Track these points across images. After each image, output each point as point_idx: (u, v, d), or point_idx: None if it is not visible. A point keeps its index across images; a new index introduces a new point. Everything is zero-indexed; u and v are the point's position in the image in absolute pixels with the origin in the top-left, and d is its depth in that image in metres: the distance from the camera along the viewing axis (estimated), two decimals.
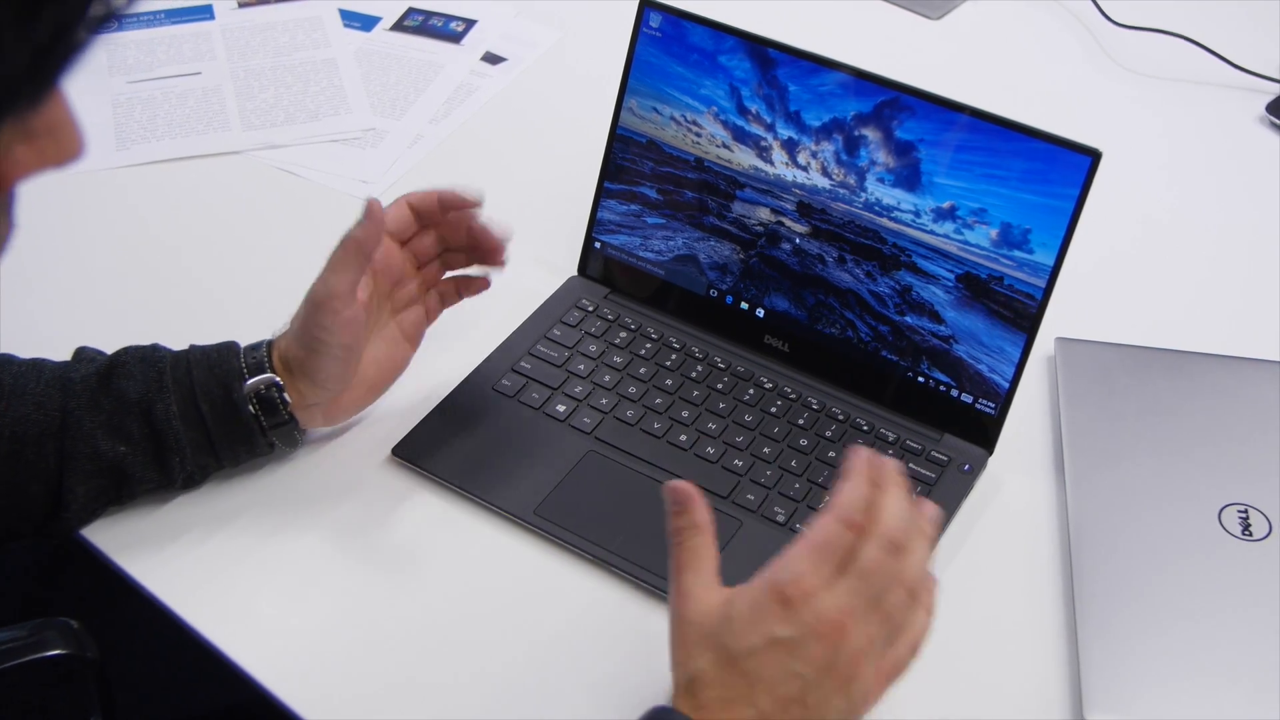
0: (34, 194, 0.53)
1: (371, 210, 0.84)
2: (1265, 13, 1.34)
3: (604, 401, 0.93)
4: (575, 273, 1.03)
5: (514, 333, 0.98)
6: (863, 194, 0.92)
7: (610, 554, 0.84)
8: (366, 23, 1.34)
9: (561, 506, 0.87)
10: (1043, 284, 0.86)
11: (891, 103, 0.89)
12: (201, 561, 0.85)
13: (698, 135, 0.97)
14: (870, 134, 0.91)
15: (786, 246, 0.95)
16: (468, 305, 0.93)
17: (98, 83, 1.24)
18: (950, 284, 0.90)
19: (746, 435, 0.91)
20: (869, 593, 0.65)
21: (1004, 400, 0.89)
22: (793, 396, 0.93)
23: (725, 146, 0.96)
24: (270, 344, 0.86)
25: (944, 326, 0.90)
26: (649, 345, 0.97)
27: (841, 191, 0.93)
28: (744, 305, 0.97)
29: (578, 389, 0.94)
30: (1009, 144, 0.86)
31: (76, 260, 1.07)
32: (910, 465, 0.89)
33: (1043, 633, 0.82)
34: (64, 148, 0.49)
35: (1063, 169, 0.85)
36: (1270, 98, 1.24)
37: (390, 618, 0.82)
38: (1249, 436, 0.90)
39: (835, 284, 0.94)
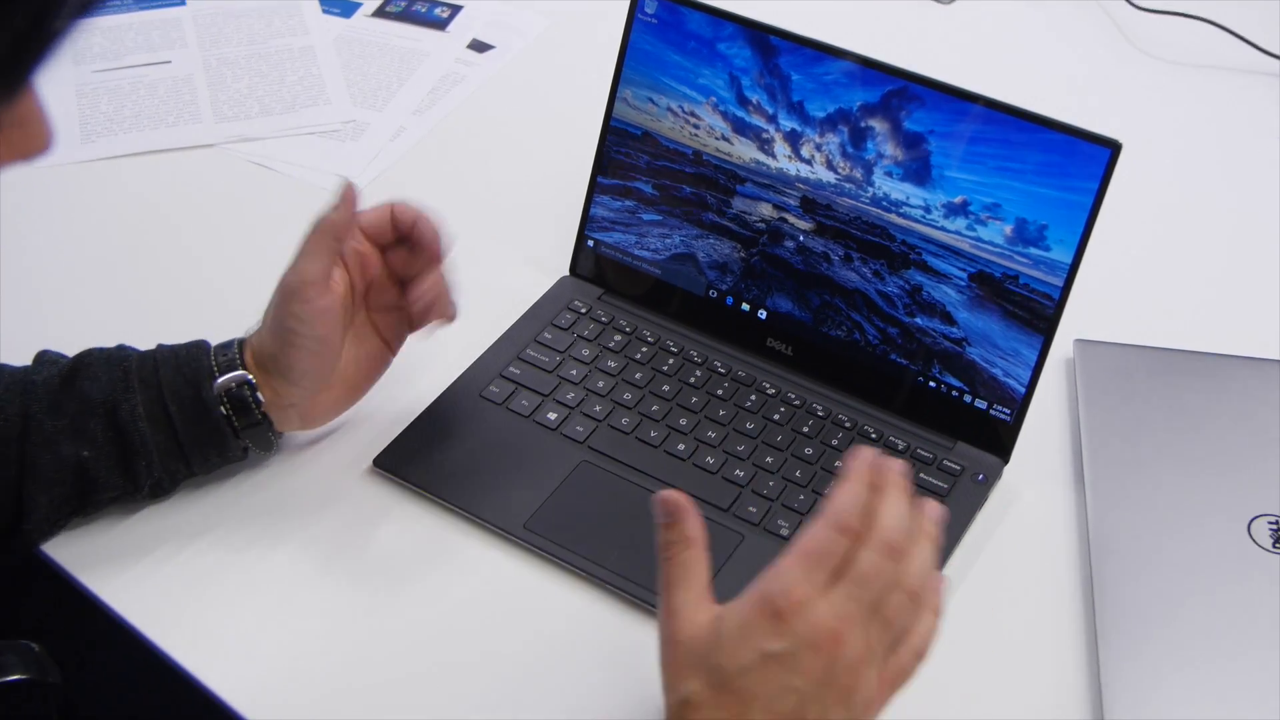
0: None
1: (345, 193, 0.84)
2: None
3: (597, 409, 0.93)
4: (567, 273, 1.03)
5: (502, 336, 0.98)
6: (870, 188, 0.92)
7: (604, 570, 0.84)
8: (346, 8, 1.34)
9: (553, 520, 0.87)
10: (1060, 283, 0.87)
11: (900, 92, 0.89)
12: (171, 579, 0.85)
13: (696, 127, 0.97)
14: (877, 125, 0.91)
15: (790, 244, 0.95)
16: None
17: (61, 72, 1.24)
18: (962, 283, 0.90)
19: (748, 444, 0.91)
20: (866, 599, 0.65)
21: (1020, 406, 0.89)
22: (797, 403, 0.93)
23: (725, 139, 0.96)
24: (242, 342, 0.86)
25: (956, 328, 0.90)
26: (645, 349, 0.97)
27: (847, 186, 0.93)
28: (745, 306, 0.97)
29: (570, 395, 0.94)
30: (1024, 135, 0.86)
31: (38, 260, 1.07)
32: (921, 475, 0.89)
33: (1062, 651, 0.82)
34: (32, 141, 0.49)
35: (1081, 161, 0.85)
36: None
37: (372, 638, 0.82)
38: None
39: (841, 284, 0.94)
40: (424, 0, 1.34)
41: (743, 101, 0.95)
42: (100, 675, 0.95)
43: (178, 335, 0.88)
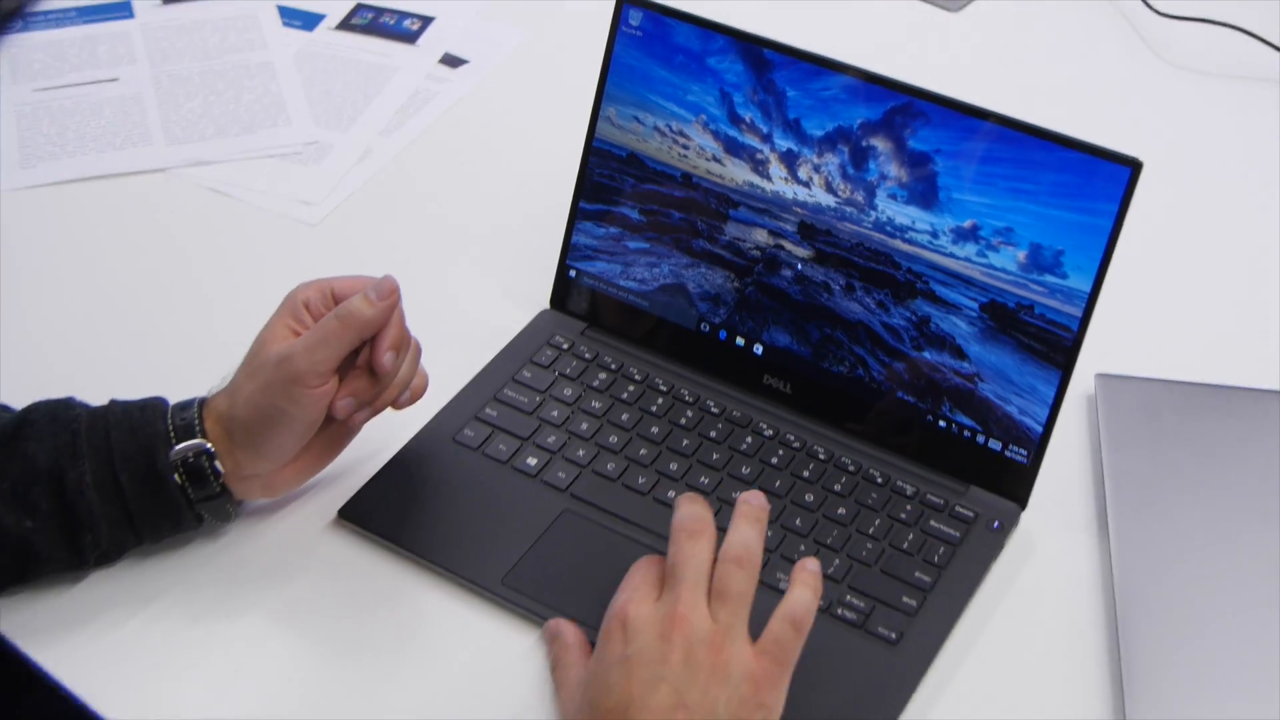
0: None
1: (387, 289, 0.85)
2: None
3: (581, 453, 0.93)
4: (547, 306, 1.03)
5: (477, 375, 0.98)
6: (872, 213, 0.92)
7: (590, 629, 0.83)
8: (308, 20, 1.34)
9: (533, 574, 0.86)
10: (1079, 313, 0.86)
11: (904, 108, 0.90)
12: (119, 648, 0.84)
13: (685, 148, 0.97)
14: (880, 144, 0.91)
15: (787, 273, 0.95)
16: (425, 344, 0.92)
17: None
18: (973, 314, 0.90)
19: (743, 491, 0.90)
20: (695, 579, 0.75)
21: (1037, 446, 0.89)
22: (796, 445, 0.93)
23: (716, 160, 0.96)
24: (204, 402, 0.85)
25: (967, 363, 0.90)
26: (632, 388, 0.97)
27: (848, 210, 0.93)
28: (740, 341, 0.97)
29: (551, 439, 0.94)
30: (1038, 154, 0.87)
31: None
32: (932, 522, 0.88)
33: (1086, 714, 0.81)
34: None
35: (1099, 182, 0.85)
36: None
37: (338, 708, 0.82)
38: None
39: (843, 316, 0.94)
40: (392, 11, 1.35)
41: (735, 120, 0.95)
42: None
43: (128, 380, 0.88)
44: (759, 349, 0.97)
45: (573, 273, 1.02)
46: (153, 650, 0.84)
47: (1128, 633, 0.83)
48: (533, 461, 0.92)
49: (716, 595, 0.75)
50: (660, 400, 0.96)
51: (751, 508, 0.79)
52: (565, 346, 1.00)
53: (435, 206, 1.16)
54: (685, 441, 0.93)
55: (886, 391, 0.93)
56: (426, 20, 1.34)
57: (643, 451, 0.93)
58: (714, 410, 0.95)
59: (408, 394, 0.90)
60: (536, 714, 0.81)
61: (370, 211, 1.15)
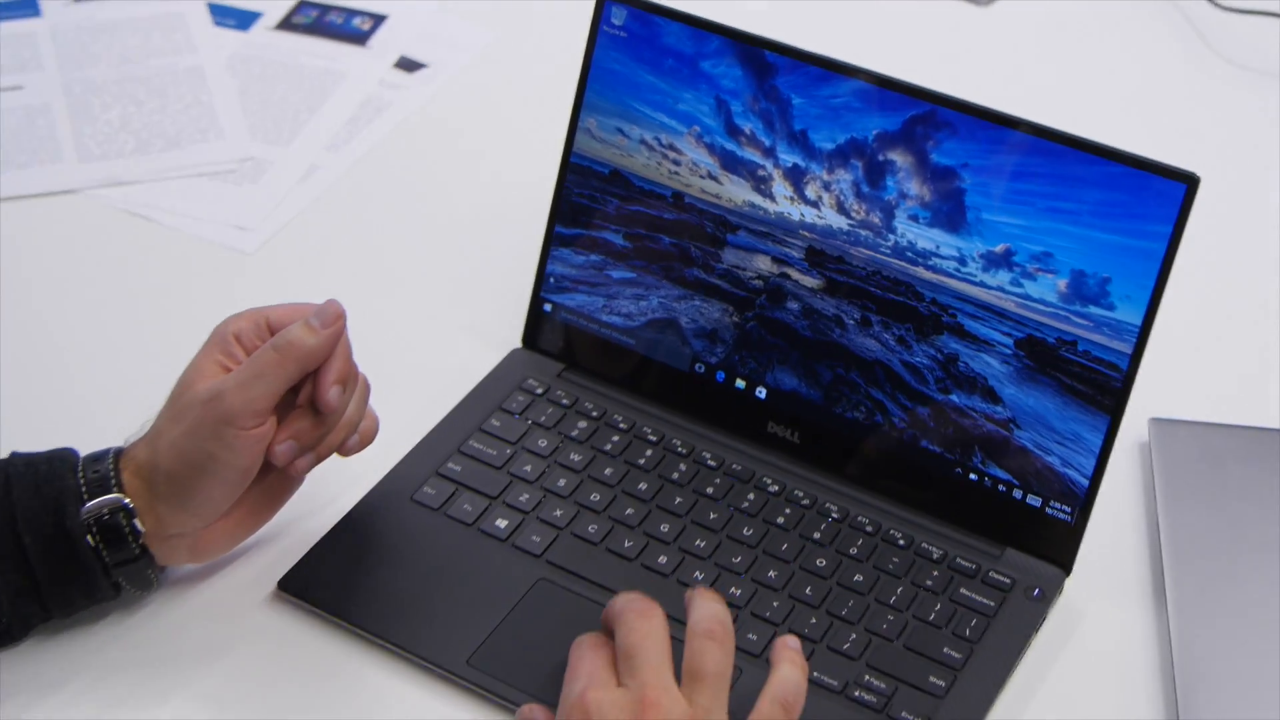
0: None
1: (331, 317, 0.85)
2: None
3: (558, 514, 0.93)
4: (519, 345, 1.04)
5: (438, 425, 0.99)
6: (891, 236, 0.93)
7: None
8: (243, 19, 1.35)
9: (504, 653, 0.87)
10: (1129, 349, 0.87)
11: (925, 117, 0.91)
12: None
13: (676, 164, 0.98)
14: (899, 159, 0.92)
15: (794, 306, 0.96)
16: (377, 390, 0.93)
17: None
18: (1008, 351, 0.91)
19: (746, 555, 0.91)
20: (658, 660, 0.76)
21: (1083, 502, 0.90)
22: (806, 503, 0.94)
23: (712, 177, 0.97)
24: (120, 453, 0.86)
25: (1001, 407, 0.91)
26: (616, 438, 0.98)
27: (863, 234, 0.94)
28: (740, 383, 0.98)
29: (524, 498, 0.94)
30: (1079, 168, 0.88)
31: None
32: (962, 591, 0.89)
33: None
34: None
35: (1150, 200, 0.86)
36: None
37: None
38: None
39: (858, 354, 0.95)
40: (339, 9, 1.36)
41: (733, 131, 0.96)
42: None
43: (32, 431, 0.88)
44: (762, 392, 0.98)
45: (548, 307, 1.03)
46: None
47: (1189, 713, 0.83)
48: (503, 523, 0.93)
49: (689, 675, 0.76)
50: (649, 452, 0.97)
51: (703, 589, 0.81)
52: (540, 391, 1.00)
53: (389, 231, 1.16)
54: (678, 499, 0.94)
55: (909, 440, 0.94)
56: (379, 19, 1.35)
57: (629, 511, 0.94)
58: (711, 463, 0.96)
59: (356, 437, 0.90)
60: None
61: (315, 238, 1.16)
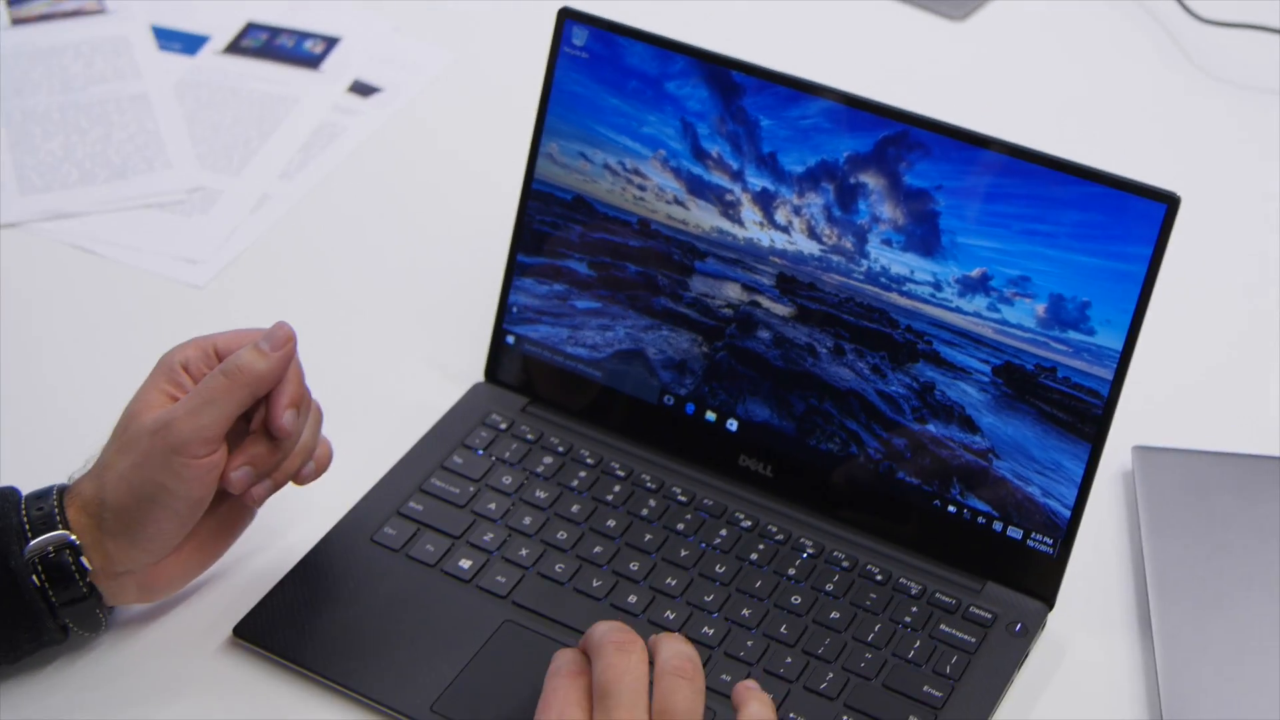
0: None
1: (281, 340, 0.85)
2: None
3: (524, 553, 0.94)
4: (481, 379, 1.04)
5: (399, 463, 0.99)
6: (864, 261, 0.93)
7: None
8: (190, 43, 1.35)
9: (469, 699, 0.87)
10: (1109, 375, 0.88)
11: (898, 138, 0.91)
12: None
13: (641, 189, 0.99)
14: (871, 181, 0.92)
15: (765, 335, 0.97)
16: (335, 427, 0.93)
17: None
18: (985, 379, 0.91)
19: (719, 593, 0.92)
20: (632, 698, 0.76)
21: (1065, 534, 0.90)
22: (780, 538, 0.94)
23: (678, 203, 0.98)
24: (64, 490, 0.86)
25: (980, 437, 0.92)
26: (583, 474, 0.98)
27: (835, 259, 0.94)
28: (710, 416, 0.99)
29: (488, 537, 0.95)
30: (1057, 189, 0.88)
31: None
32: (942, 627, 0.90)
33: None
34: None
35: (1130, 221, 0.87)
36: None
37: None
38: None
39: (831, 384, 0.95)
40: (290, 31, 1.36)
41: (700, 155, 0.97)
42: None
43: None
44: (733, 425, 0.98)
45: (510, 339, 1.03)
46: None
47: None
48: (466, 564, 0.93)
49: (660, 715, 0.76)
50: (617, 488, 0.97)
51: (669, 634, 0.81)
52: (503, 426, 1.01)
53: (346, 263, 1.17)
54: (648, 536, 0.95)
55: (885, 472, 0.94)
56: (332, 41, 1.35)
57: (597, 549, 0.94)
58: (681, 499, 0.97)
59: (311, 465, 0.90)
60: None
61: (268, 270, 1.16)
